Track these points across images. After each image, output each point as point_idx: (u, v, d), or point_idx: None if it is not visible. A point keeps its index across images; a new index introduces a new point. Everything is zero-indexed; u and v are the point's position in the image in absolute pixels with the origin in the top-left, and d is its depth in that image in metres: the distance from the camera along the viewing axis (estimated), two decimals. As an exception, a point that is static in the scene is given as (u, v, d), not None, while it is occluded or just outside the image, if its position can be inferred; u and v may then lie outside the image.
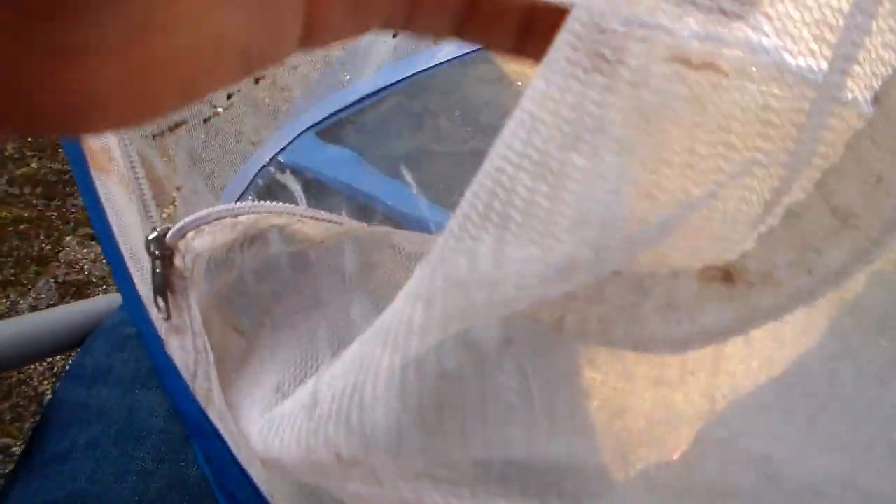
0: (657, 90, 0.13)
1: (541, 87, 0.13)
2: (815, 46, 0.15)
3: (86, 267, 1.29)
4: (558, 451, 0.20)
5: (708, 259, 0.19)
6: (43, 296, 1.24)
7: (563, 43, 0.14)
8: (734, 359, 0.23)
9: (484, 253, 0.15)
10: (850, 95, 0.17)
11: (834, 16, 0.15)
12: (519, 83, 0.64)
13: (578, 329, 0.22)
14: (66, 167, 1.39)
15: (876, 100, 0.15)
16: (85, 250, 1.31)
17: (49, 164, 1.39)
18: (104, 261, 1.31)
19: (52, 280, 1.26)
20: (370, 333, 0.19)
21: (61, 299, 1.24)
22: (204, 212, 0.33)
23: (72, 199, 1.37)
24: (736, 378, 0.23)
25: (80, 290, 1.26)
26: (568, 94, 0.13)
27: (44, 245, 1.30)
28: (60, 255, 1.30)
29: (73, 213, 1.35)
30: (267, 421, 0.27)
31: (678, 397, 0.24)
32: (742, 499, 0.20)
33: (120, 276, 0.40)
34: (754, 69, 0.15)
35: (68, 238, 1.32)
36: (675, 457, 0.25)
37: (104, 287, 1.28)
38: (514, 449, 0.20)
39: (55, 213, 1.34)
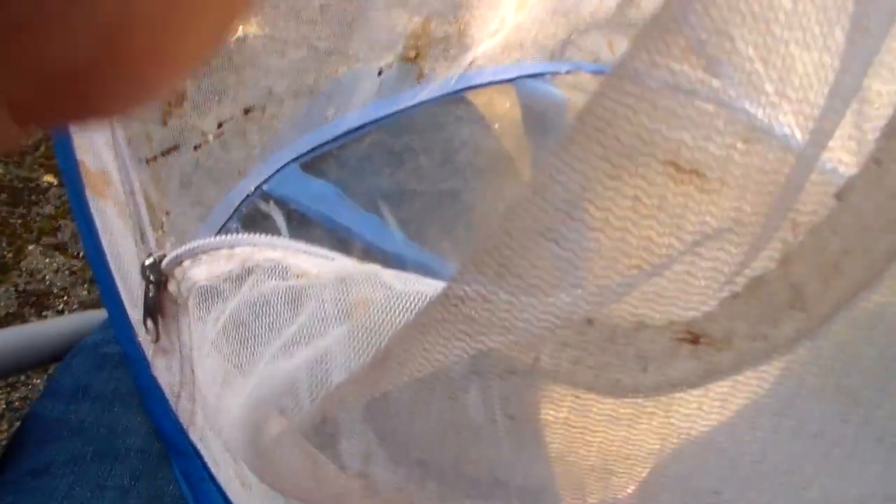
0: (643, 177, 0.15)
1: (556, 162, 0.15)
2: (795, 110, 0.17)
3: (47, 277, 1.28)
4: (543, 480, 0.22)
5: (674, 315, 0.21)
6: (2, 304, 1.22)
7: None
8: (690, 402, 0.25)
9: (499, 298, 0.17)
10: (828, 165, 0.19)
11: (821, 84, 0.16)
12: (497, 125, 0.67)
13: (552, 371, 0.24)
14: (33, 175, 1.38)
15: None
16: (47, 260, 1.30)
17: (15, 171, 1.37)
18: (66, 271, 1.30)
19: (13, 288, 1.25)
20: (374, 360, 0.21)
21: (21, 308, 1.23)
22: (200, 241, 0.34)
23: (37, 207, 1.35)
24: (690, 419, 0.25)
25: (40, 299, 1.25)
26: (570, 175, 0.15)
27: (6, 252, 1.28)
28: (22, 263, 1.28)
29: (37, 221, 1.34)
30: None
31: (633, 434, 0.26)
32: None
33: (109, 296, 0.41)
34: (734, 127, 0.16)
35: (31, 247, 1.31)
36: (630, 491, 0.27)
37: (65, 298, 1.27)
38: (502, 471, 0.22)
39: (19, 221, 1.33)
